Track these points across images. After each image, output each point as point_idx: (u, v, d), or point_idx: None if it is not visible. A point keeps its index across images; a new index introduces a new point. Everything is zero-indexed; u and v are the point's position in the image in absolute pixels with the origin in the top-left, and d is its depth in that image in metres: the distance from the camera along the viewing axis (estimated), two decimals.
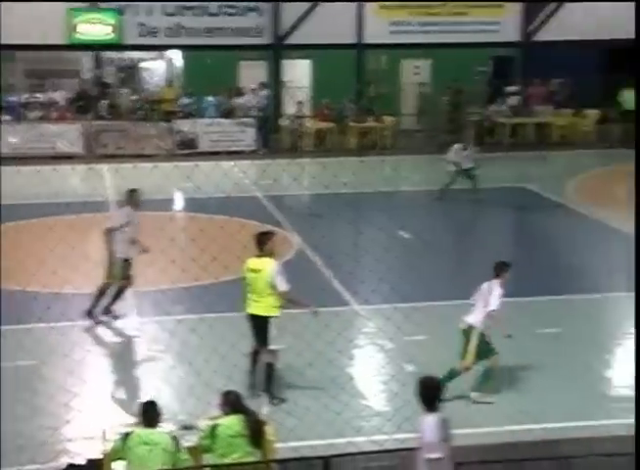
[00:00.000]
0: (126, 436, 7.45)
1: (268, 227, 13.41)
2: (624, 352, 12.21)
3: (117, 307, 12.91)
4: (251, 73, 26.73)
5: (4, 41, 23.81)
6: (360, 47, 26.89)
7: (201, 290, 13.42)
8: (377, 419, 9.72)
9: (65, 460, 8.55)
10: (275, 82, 26.65)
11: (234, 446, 7.56)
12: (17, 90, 26.08)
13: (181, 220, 19.38)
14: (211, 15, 25.91)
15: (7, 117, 24.60)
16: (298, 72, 27.51)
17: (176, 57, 27.78)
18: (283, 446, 8.18)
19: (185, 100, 25.79)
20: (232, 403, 7.76)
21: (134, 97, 26.22)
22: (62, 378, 10.22)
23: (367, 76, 27.21)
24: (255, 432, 7.64)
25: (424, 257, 15.75)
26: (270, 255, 10.22)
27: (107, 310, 12.80)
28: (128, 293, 13.06)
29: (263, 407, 9.57)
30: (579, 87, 26.40)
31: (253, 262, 10.22)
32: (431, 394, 7.22)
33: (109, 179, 21.50)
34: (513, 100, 27.29)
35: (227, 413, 7.72)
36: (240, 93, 26.18)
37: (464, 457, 7.70)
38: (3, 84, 25.38)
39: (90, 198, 18.48)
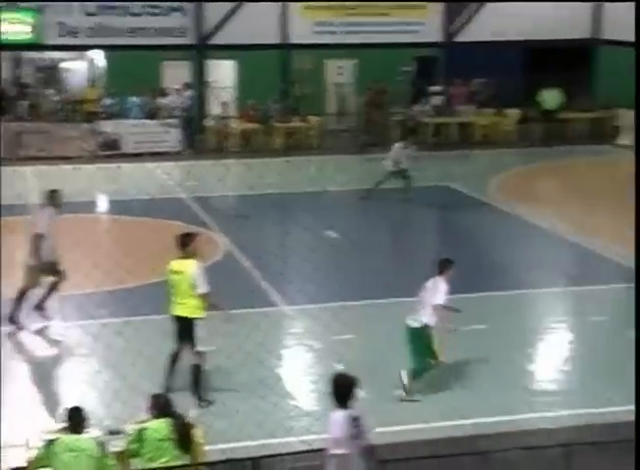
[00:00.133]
0: (51, 443, 7.33)
1: (193, 228, 13.31)
2: (547, 346, 12.47)
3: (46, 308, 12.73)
4: (175, 74, 26.50)
5: None
6: (285, 47, 26.91)
7: (125, 293, 13.28)
8: (306, 419, 9.73)
9: None
10: (199, 83, 26.48)
11: (162, 450, 7.50)
12: None
13: (105, 223, 19.12)
14: (134, 15, 25.61)
15: None
16: (223, 73, 27.39)
17: (98, 57, 27.38)
18: (212, 449, 8.14)
19: (108, 100, 25.46)
20: (160, 407, 7.70)
21: (55, 98, 25.76)
22: None
23: (292, 77, 27.22)
24: (184, 435, 7.59)
25: (351, 256, 15.83)
26: (193, 256, 10.21)
27: (38, 307, 12.61)
28: (52, 297, 12.85)
29: (192, 410, 9.50)
30: (501, 87, 26.84)
31: (176, 264, 10.21)
32: (342, 391, 7.29)
33: (32, 182, 21.06)
34: (436, 100, 27.60)
35: (155, 417, 7.66)
36: (164, 93, 25.96)
37: (391, 455, 7.78)
38: None
39: (14, 201, 18.01)
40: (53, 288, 12.76)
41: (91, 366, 11.08)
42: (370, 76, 26.84)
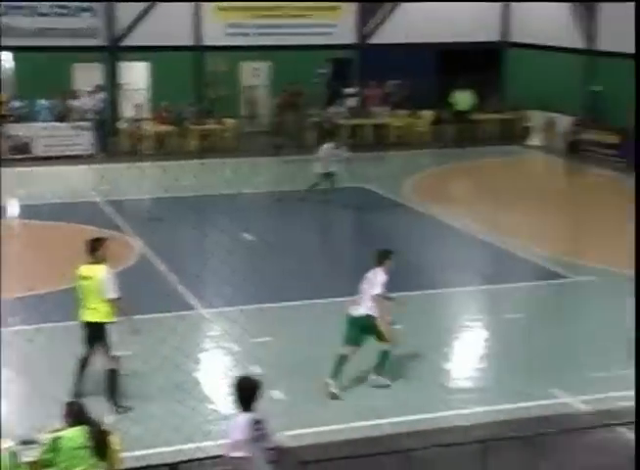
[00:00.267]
0: None
1: (107, 233, 13.11)
2: (463, 345, 12.64)
3: None
4: (87, 76, 26.01)
5: None
6: (198, 49, 26.72)
7: (36, 299, 12.96)
8: (224, 423, 9.62)
9: None
10: (112, 85, 26.09)
11: (78, 459, 7.35)
12: None
13: (15, 228, 18.64)
14: (42, 15, 25.07)
15: None
16: (136, 75, 27.01)
17: (6, 58, 26.71)
18: (129, 456, 8.01)
19: (16, 103, 24.86)
20: (75, 414, 7.54)
21: None
22: None
23: (206, 78, 27.04)
24: (100, 442, 7.45)
25: (267, 258, 15.79)
26: (102, 261, 10.10)
27: None
28: None
29: (107, 416, 9.33)
30: (415, 89, 27.15)
31: (85, 269, 10.10)
32: (245, 394, 7.25)
33: None
34: (351, 101, 27.77)
35: (70, 425, 7.49)
36: (75, 96, 25.48)
37: (311, 456, 7.78)
38: None
39: None
40: None
41: (3, 375, 10.78)
42: (285, 78, 26.84)
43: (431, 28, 27.62)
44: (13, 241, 16.43)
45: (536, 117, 27.10)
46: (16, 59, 26.28)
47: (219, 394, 10.59)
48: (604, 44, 25.61)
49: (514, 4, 28.84)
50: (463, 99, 27.01)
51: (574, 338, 12.55)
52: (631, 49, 23.91)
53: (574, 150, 22.93)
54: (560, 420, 9.70)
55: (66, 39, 25.14)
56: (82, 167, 23.08)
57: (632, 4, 23.85)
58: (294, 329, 12.56)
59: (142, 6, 25.81)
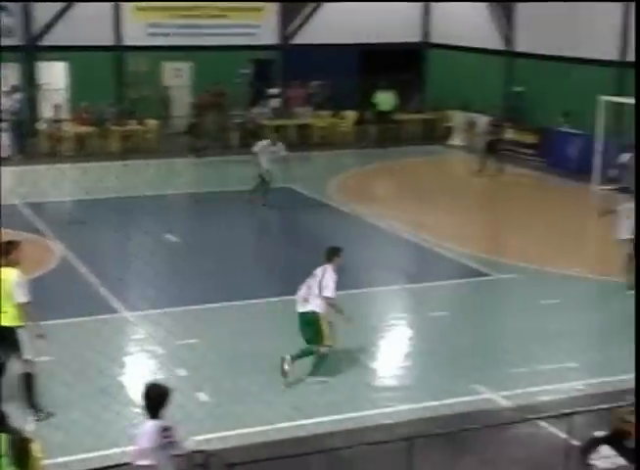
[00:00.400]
0: None
1: (25, 236, 12.84)
2: (388, 344, 12.73)
3: None
4: (3, 76, 25.46)
5: None
6: (117, 49, 26.38)
7: None
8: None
9: None
10: (29, 85, 25.58)
11: None
12: None
13: None
14: None
15: None
16: (55, 75, 26.53)
17: None
18: (51, 463, 7.86)
19: None
20: None
21: None
22: None
23: (127, 79, 26.72)
24: (21, 450, 7.28)
25: (192, 260, 15.68)
26: (15, 264, 9.93)
27: None
28: None
29: (28, 423, 9.14)
30: (337, 89, 27.29)
31: None
32: (154, 401, 7.19)
33: None
34: (274, 102, 27.77)
35: None
36: None
37: (237, 458, 7.74)
38: None
39: None
40: None
41: None
42: (207, 79, 26.68)
43: (353, 29, 27.80)
44: None
45: (457, 118, 27.49)
46: None
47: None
48: (521, 45, 26.13)
49: (433, 4, 29.24)
50: (385, 99, 27.23)
51: (496, 334, 12.77)
52: (548, 51, 24.57)
53: (493, 150, 23.32)
54: (483, 416, 9.86)
55: None
56: None
57: (548, 5, 24.45)
58: (218, 330, 12.50)
59: (60, 5, 25.37)
